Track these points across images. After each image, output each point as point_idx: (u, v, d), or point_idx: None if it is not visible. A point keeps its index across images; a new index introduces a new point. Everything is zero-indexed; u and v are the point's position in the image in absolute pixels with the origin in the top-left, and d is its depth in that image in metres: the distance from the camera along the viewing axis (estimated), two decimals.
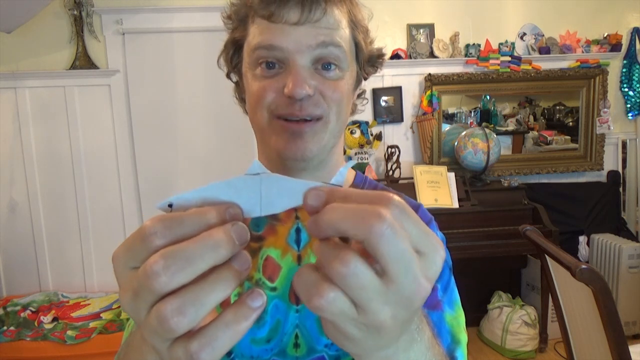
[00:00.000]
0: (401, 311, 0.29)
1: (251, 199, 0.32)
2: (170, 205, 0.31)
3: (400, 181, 2.88)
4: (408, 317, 0.30)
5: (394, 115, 3.10)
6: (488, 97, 3.28)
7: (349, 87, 0.65)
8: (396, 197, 0.28)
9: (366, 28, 0.68)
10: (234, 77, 0.72)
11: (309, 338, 0.61)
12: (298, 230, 0.65)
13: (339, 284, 0.28)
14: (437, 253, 0.29)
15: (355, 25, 0.65)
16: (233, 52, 0.69)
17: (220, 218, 0.30)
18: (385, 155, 2.98)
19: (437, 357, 0.38)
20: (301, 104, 0.59)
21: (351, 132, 3.01)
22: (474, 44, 3.11)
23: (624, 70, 3.25)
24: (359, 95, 0.74)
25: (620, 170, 3.31)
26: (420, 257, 0.28)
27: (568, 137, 3.32)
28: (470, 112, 3.28)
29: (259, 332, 0.61)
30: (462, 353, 0.60)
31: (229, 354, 0.61)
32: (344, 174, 0.33)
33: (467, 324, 0.65)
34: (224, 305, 0.63)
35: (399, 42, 3.10)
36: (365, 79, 0.72)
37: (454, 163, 3.07)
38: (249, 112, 0.67)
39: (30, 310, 2.63)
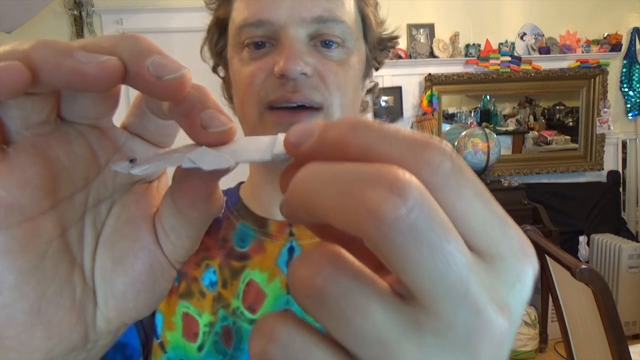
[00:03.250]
0: None
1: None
2: (132, 161, 0.22)
3: None
4: None
5: (394, 115, 3.09)
6: (488, 97, 3.27)
7: (355, 72, 0.53)
8: (444, 146, 0.15)
9: (376, 2, 0.58)
10: (222, 72, 0.60)
11: None
12: (291, 250, 0.53)
13: (314, 315, 0.14)
14: (523, 257, 0.15)
15: None
16: (218, 36, 0.58)
17: None
18: None
19: None
20: (295, 84, 0.47)
21: None
22: (474, 44, 3.11)
23: (624, 70, 3.24)
24: (369, 91, 0.63)
25: (620, 170, 3.30)
26: (486, 262, 0.14)
27: (568, 137, 3.32)
28: (470, 112, 3.28)
29: None
30: None
31: None
32: None
33: None
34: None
35: (399, 42, 3.09)
36: (377, 68, 0.61)
37: None
38: (237, 110, 0.56)
39: None
